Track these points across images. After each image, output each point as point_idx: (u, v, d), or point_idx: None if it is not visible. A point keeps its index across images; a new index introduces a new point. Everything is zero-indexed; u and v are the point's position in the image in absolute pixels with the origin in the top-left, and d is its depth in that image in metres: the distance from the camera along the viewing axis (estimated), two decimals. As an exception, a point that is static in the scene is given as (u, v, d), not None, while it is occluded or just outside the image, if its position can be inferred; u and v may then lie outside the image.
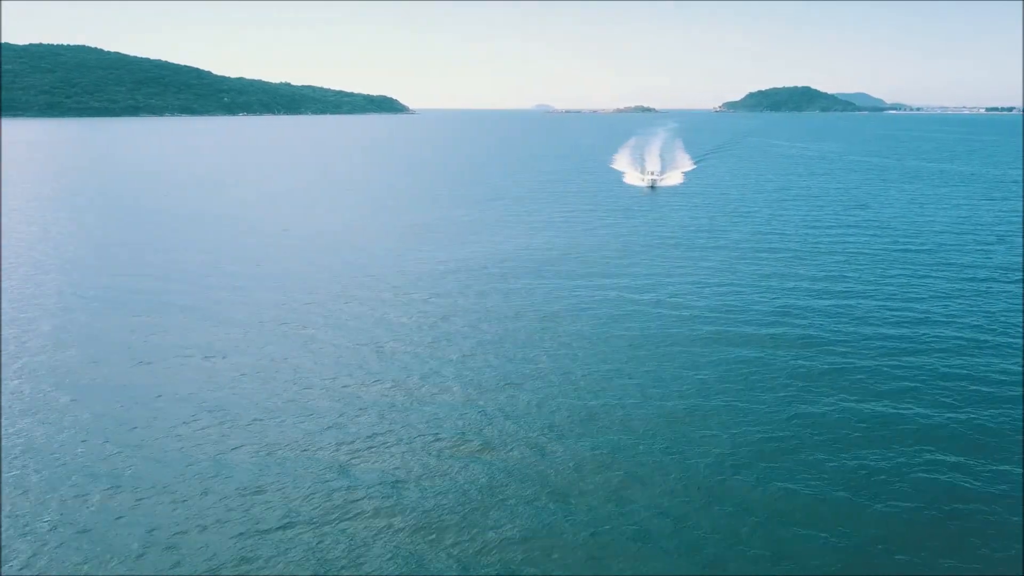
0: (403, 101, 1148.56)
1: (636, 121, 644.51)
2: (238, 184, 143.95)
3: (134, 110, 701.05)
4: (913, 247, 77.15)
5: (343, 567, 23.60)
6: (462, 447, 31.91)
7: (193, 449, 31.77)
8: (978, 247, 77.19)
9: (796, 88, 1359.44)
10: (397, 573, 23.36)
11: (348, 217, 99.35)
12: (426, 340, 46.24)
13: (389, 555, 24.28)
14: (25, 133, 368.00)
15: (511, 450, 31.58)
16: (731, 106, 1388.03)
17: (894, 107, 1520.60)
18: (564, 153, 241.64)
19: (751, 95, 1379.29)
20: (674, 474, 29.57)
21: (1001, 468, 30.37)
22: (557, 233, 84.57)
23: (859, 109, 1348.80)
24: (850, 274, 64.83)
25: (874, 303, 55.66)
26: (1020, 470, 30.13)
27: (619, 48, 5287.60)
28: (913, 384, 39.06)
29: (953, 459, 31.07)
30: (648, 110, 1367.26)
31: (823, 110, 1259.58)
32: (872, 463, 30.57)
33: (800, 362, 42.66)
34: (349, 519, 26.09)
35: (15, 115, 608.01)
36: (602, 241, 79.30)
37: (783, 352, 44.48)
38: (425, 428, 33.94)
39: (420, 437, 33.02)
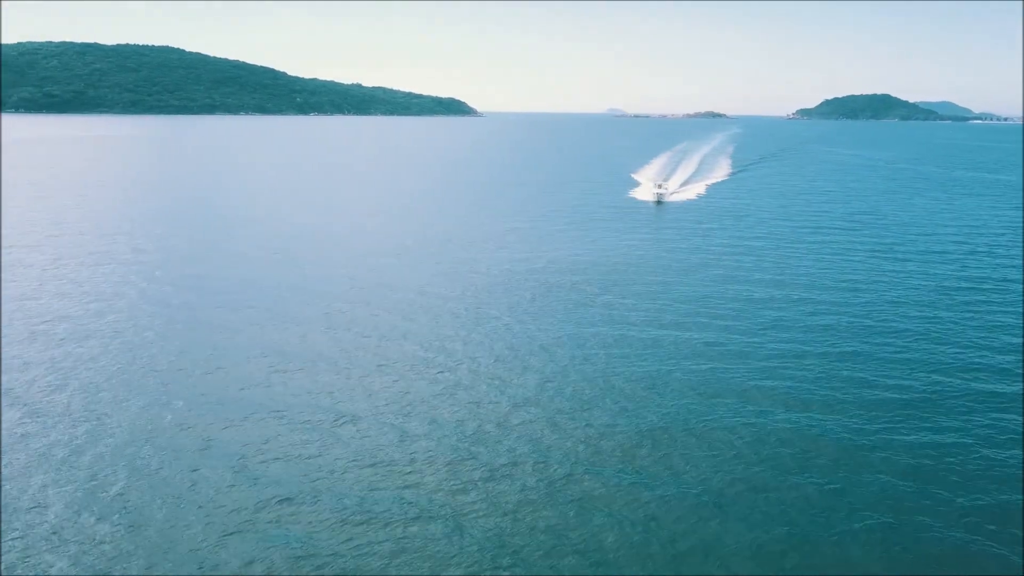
0: (471, 103, 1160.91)
1: (700, 126, 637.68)
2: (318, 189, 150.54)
3: (211, 108, 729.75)
4: (904, 257, 77.49)
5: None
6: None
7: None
8: (966, 256, 76.94)
9: (875, 96, 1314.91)
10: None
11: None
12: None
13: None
14: (121, 129, 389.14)
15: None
16: (805, 113, 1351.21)
17: (980, 116, 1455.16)
18: (598, 157, 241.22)
19: (826, 102, 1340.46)
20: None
21: (1001, 468, 31.20)
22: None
23: (941, 118, 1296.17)
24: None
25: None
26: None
27: (693, 53, 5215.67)
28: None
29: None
30: (718, 116, 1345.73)
31: (903, 119, 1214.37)
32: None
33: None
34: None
35: (101, 112, 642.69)
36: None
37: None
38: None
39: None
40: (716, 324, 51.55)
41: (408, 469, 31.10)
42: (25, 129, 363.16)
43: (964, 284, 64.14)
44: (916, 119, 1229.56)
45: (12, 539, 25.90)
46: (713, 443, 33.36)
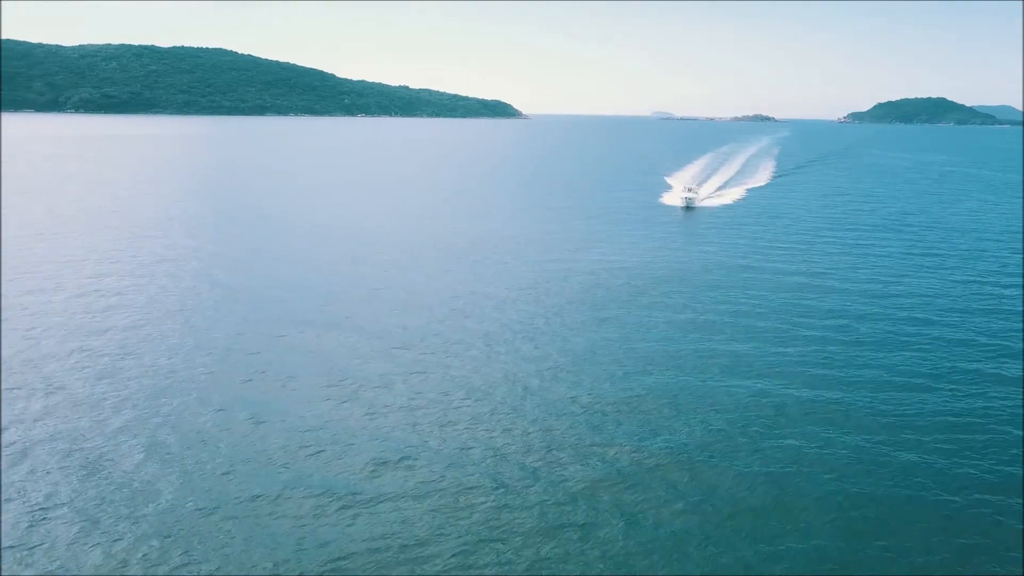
0: (516, 106, 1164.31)
1: (746, 129, 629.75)
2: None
3: (261, 109, 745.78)
4: (944, 252, 76.77)
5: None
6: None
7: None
8: (1011, 254, 75.64)
9: (929, 99, 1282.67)
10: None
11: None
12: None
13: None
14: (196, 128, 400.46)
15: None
16: (856, 117, 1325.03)
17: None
18: (635, 159, 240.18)
19: (879, 106, 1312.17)
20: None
21: (1002, 467, 31.08)
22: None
23: (1000, 123, 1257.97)
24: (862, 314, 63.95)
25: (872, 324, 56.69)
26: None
27: (742, 55, 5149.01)
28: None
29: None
30: (767, 119, 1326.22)
31: (959, 123, 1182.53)
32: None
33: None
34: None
35: (156, 112, 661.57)
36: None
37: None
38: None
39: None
40: (723, 320, 51.98)
41: (442, 434, 32.97)
42: (86, 128, 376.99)
43: (1005, 280, 64.16)
44: (973, 123, 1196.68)
45: (77, 480, 28.92)
46: (733, 419, 34.25)
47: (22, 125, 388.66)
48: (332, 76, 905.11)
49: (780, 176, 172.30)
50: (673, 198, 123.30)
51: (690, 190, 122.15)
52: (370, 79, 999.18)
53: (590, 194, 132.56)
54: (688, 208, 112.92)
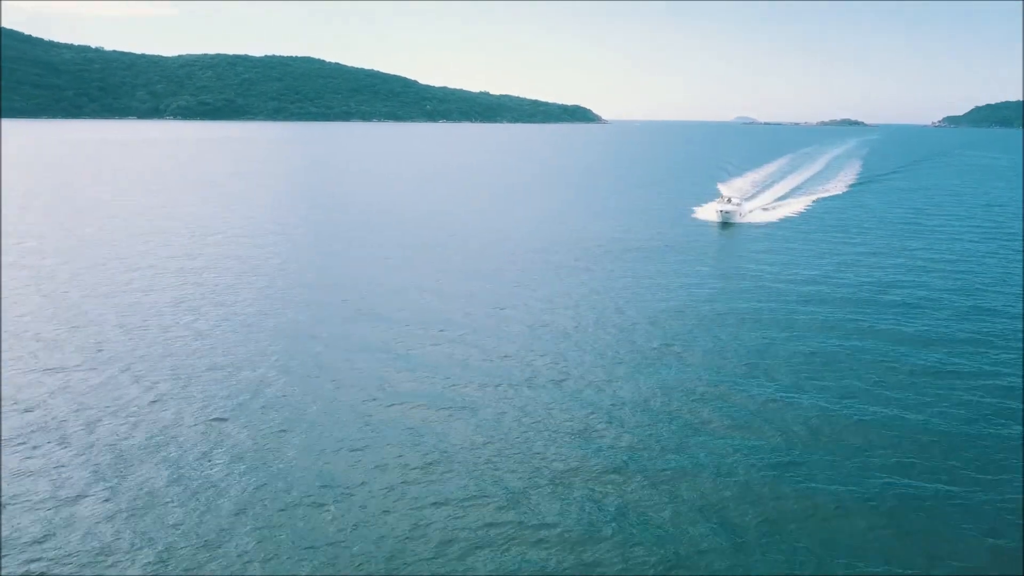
0: (596, 110, 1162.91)
1: (831, 133, 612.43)
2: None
3: (346, 115, 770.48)
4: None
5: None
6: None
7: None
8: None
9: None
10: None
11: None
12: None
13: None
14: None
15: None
16: (952, 120, 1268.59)
17: None
18: (695, 165, 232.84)
19: (977, 109, 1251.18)
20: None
21: (1001, 466, 30.64)
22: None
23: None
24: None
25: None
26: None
27: (831, 57, 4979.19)
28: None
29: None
30: (856, 123, 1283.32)
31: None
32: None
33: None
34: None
35: (248, 118, 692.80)
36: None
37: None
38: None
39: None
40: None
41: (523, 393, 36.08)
42: (185, 132, 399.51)
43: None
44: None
45: (211, 415, 34.78)
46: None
47: (127, 130, 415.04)
48: (415, 83, 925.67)
49: (857, 185, 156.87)
50: (709, 212, 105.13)
51: (730, 201, 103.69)
52: (452, 86, 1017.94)
53: (615, 204, 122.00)
54: (726, 224, 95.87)
